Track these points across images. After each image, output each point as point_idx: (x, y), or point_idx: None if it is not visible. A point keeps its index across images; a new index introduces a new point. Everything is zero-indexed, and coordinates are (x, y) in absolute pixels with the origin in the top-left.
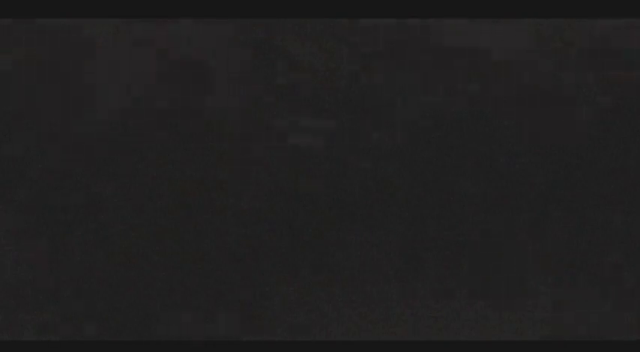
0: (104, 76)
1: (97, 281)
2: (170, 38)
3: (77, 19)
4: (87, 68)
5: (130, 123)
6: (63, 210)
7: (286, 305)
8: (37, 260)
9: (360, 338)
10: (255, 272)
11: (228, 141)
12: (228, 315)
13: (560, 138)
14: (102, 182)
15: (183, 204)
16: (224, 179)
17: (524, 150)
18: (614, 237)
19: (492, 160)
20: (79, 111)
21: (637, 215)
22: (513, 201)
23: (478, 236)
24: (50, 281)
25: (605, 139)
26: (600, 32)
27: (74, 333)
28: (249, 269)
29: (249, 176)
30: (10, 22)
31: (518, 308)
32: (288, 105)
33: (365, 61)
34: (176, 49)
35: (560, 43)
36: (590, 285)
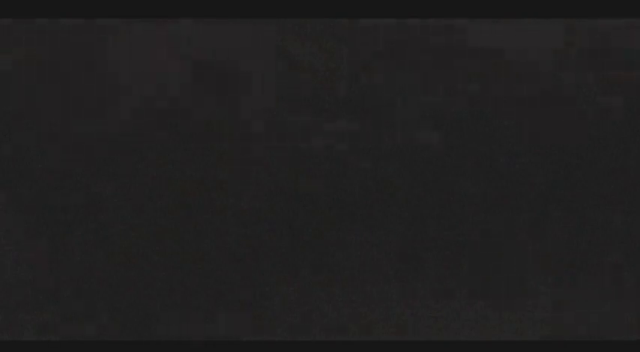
0: (104, 76)
1: (97, 281)
2: (170, 38)
3: (77, 19)
4: (87, 68)
5: (130, 123)
6: (63, 210)
7: (286, 305)
8: (37, 260)
9: (360, 338)
10: (255, 272)
11: (229, 142)
12: (228, 315)
13: (560, 138)
14: (102, 182)
15: (183, 204)
16: (224, 179)
17: (524, 150)
18: (614, 237)
19: (492, 160)
20: (79, 111)
21: (637, 215)
22: (513, 201)
23: (478, 236)
24: (50, 281)
25: (605, 139)
26: (600, 32)
27: (74, 333)
28: (249, 269)
29: (249, 176)
30: (10, 22)
31: (518, 308)
32: (288, 105)
33: (365, 61)
34: (177, 49)
35: (562, 43)
36: (590, 285)
